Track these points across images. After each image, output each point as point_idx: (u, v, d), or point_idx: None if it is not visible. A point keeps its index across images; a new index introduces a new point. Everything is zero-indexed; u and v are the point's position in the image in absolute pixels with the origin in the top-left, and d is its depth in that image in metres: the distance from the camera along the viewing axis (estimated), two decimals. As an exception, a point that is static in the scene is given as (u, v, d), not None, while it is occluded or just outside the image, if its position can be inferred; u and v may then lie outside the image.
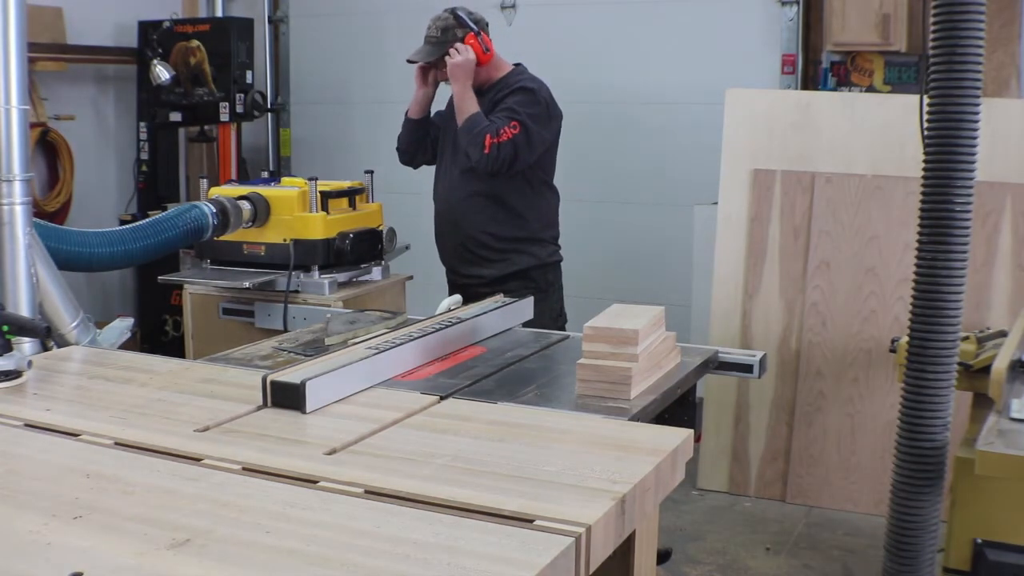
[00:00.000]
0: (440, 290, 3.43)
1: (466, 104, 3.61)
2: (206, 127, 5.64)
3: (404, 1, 5.69)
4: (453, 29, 3.63)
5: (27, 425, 1.78)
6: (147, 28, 5.52)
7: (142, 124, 5.66)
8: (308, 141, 6.16)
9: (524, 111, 3.56)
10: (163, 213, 3.25)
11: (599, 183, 5.37)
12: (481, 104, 3.63)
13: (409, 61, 3.74)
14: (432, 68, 3.73)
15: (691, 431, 1.76)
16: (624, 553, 1.57)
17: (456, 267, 3.79)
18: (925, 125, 2.07)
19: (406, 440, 1.74)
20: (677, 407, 2.38)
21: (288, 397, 1.89)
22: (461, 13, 3.66)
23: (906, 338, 2.15)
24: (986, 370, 2.24)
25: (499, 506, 1.40)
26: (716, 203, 4.39)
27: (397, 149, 3.94)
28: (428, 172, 5.66)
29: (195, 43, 5.39)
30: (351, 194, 3.76)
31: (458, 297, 2.99)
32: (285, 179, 3.94)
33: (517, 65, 3.78)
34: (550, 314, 3.65)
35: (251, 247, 3.61)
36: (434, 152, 3.90)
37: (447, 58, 3.60)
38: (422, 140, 3.88)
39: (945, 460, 2.14)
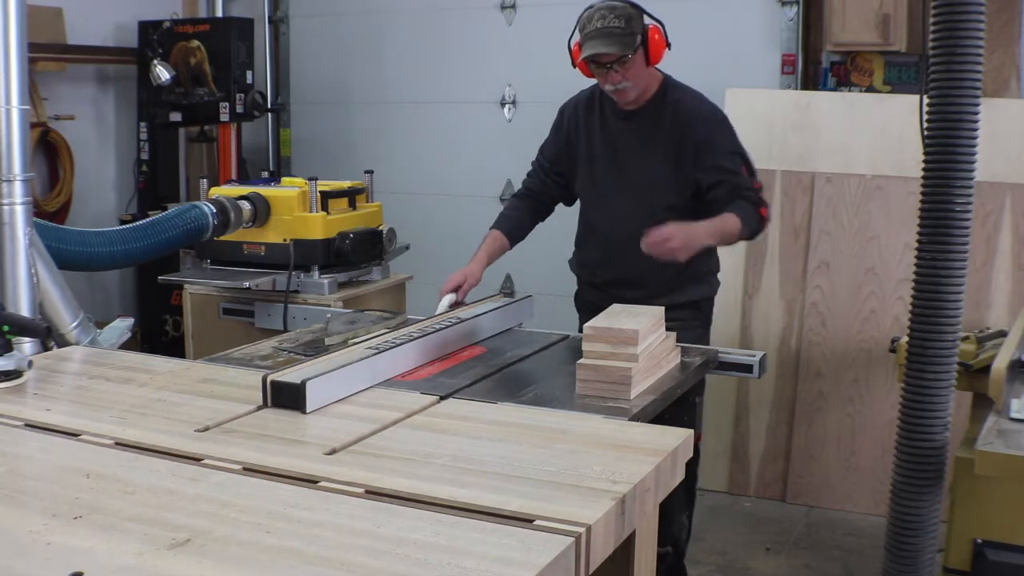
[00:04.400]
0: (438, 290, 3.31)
1: (720, 226, 2.95)
2: (206, 127, 5.63)
3: (404, 1, 5.69)
4: (638, 19, 2.97)
5: (27, 425, 1.78)
6: (147, 28, 5.51)
7: (142, 124, 5.65)
8: (308, 141, 6.14)
9: (744, 151, 3.16)
10: (163, 213, 3.25)
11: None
12: (641, 128, 3.11)
13: (595, 58, 2.97)
14: (609, 67, 2.98)
15: (691, 431, 1.76)
16: (624, 553, 1.57)
17: (619, 290, 3.09)
18: (925, 125, 2.07)
19: (406, 440, 1.74)
20: (677, 407, 2.38)
21: (288, 397, 1.89)
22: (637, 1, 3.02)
23: (906, 338, 2.15)
24: (986, 370, 2.24)
25: (499, 506, 1.40)
26: (716, 203, 4.39)
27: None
28: (428, 173, 5.72)
29: (195, 43, 5.38)
30: (351, 194, 3.76)
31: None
32: (285, 179, 3.94)
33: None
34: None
35: (251, 247, 3.61)
36: (567, 191, 3.31)
37: (659, 242, 2.80)
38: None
39: (945, 460, 2.13)
